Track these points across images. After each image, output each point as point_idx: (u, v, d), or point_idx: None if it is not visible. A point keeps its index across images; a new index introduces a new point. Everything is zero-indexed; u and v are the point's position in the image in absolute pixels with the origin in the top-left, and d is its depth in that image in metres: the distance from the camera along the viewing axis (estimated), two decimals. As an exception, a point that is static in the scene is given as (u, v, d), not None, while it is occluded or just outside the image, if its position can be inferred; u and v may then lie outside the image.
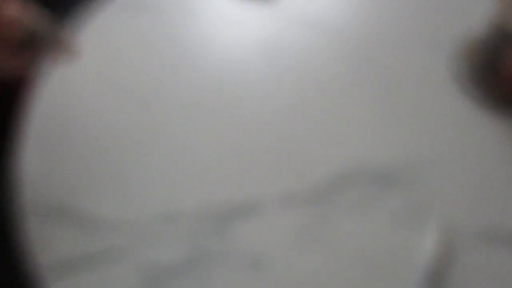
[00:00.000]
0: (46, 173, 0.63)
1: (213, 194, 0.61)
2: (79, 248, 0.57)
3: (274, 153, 0.64)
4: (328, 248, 0.57)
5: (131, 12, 0.78)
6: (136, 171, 0.63)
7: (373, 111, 0.67)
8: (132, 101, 0.69)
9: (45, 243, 0.57)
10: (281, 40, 0.75)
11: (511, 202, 0.60)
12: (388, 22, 0.76)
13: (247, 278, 0.55)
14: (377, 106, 0.68)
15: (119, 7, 0.79)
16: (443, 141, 0.64)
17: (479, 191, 0.60)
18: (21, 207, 0.59)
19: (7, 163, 0.62)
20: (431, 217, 0.58)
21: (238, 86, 0.70)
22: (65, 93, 0.70)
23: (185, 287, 0.55)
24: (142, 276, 0.55)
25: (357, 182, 0.61)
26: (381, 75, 0.71)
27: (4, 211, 0.59)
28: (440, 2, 0.79)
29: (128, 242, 0.57)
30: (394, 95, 0.69)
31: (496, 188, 0.60)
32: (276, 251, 0.57)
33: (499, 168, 0.62)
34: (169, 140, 0.65)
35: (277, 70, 0.72)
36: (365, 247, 0.57)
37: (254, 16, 0.78)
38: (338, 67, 0.72)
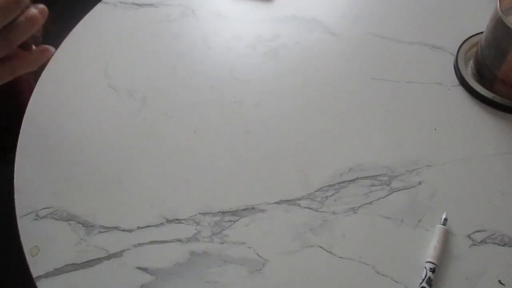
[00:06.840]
0: (42, 178, 0.63)
1: (213, 195, 0.61)
2: (77, 252, 0.57)
3: (275, 153, 0.64)
4: (329, 249, 0.57)
5: (128, 8, 0.78)
6: (134, 173, 0.63)
7: (374, 111, 0.67)
8: (129, 103, 0.69)
9: (42, 248, 0.57)
10: (283, 39, 0.75)
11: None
12: (390, 22, 0.76)
13: (247, 281, 0.55)
14: (379, 107, 0.67)
15: (115, 2, 0.78)
16: (445, 141, 0.64)
17: (482, 192, 0.60)
18: (17, 212, 0.59)
19: (7, 167, 0.62)
20: (433, 219, 0.58)
21: (238, 86, 0.70)
22: (60, 95, 0.70)
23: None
24: (140, 279, 0.55)
25: (359, 183, 0.61)
26: (383, 75, 0.70)
27: (2, 216, 0.58)
28: (443, 2, 0.78)
29: (126, 245, 0.57)
30: (396, 95, 0.68)
31: (498, 188, 0.60)
32: (276, 252, 0.57)
33: (502, 169, 0.62)
34: (167, 143, 0.65)
35: (278, 69, 0.72)
36: (366, 248, 0.56)
37: (254, 14, 0.78)
38: (340, 67, 0.72)
